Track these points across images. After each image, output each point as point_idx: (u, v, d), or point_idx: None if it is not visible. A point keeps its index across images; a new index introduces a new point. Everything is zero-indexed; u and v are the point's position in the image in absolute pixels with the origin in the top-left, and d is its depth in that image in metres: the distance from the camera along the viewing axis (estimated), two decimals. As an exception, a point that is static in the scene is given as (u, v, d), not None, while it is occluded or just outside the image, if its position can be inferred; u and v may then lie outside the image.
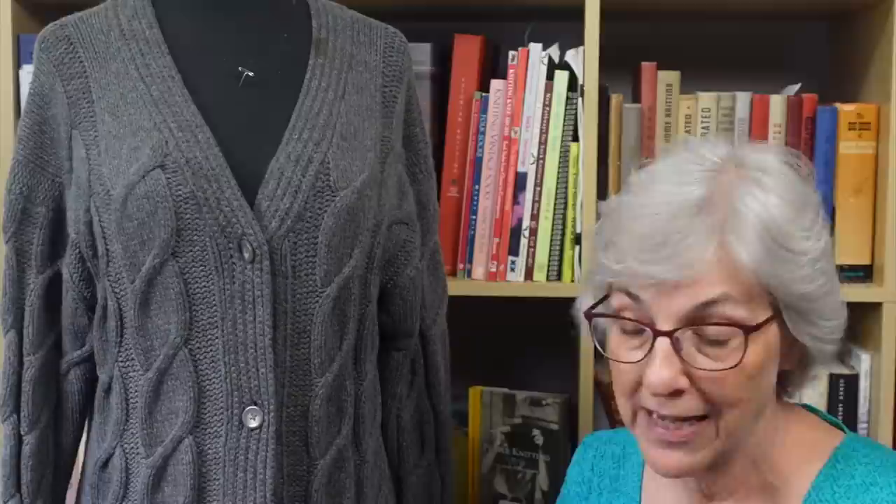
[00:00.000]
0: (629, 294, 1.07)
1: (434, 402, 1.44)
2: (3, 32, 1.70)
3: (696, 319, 1.04)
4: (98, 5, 1.34)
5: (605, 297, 1.12)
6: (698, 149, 1.11)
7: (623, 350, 1.09)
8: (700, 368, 1.04)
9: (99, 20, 1.31)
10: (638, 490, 1.22)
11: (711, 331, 1.04)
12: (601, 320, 1.13)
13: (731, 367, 1.03)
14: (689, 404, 1.05)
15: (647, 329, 1.05)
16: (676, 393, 1.05)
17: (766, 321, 1.05)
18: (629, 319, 1.08)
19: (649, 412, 1.07)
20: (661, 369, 1.04)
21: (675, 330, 1.04)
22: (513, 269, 1.76)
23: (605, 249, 1.10)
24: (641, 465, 1.23)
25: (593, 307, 1.12)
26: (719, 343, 1.04)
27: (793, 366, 1.12)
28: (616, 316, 1.09)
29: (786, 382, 1.15)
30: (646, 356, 1.05)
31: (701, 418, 1.06)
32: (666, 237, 1.04)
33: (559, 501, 1.33)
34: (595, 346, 1.14)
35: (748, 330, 1.03)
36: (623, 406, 1.11)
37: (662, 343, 1.04)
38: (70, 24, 1.31)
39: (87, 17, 1.32)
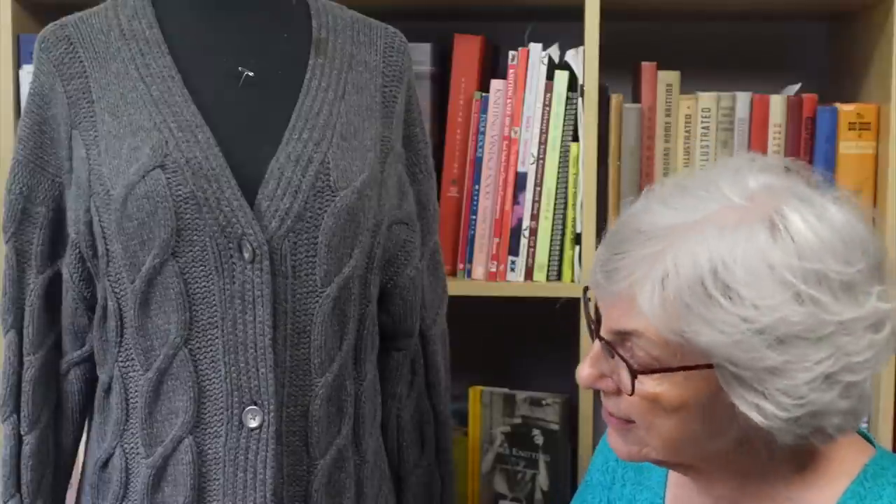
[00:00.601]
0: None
1: (434, 402, 1.44)
2: (3, 32, 1.70)
3: (624, 339, 1.04)
4: (98, 5, 1.34)
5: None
6: (737, 177, 1.05)
7: None
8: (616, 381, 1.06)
9: (99, 20, 1.31)
10: (663, 486, 1.21)
11: None
12: None
13: (627, 393, 1.03)
14: (618, 407, 1.07)
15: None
16: (610, 392, 1.07)
17: (689, 368, 1.00)
18: (588, 314, 1.10)
19: None
20: (583, 366, 1.08)
21: (606, 339, 1.05)
22: (513, 269, 1.76)
23: None
24: None
25: (586, 290, 1.13)
26: None
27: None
28: (586, 309, 1.11)
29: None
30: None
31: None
32: (613, 252, 1.04)
33: (581, 486, 1.32)
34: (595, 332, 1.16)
35: (634, 372, 1.02)
36: None
37: (595, 344, 1.07)
38: (70, 24, 1.31)
39: (87, 17, 1.32)
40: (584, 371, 1.07)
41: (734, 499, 1.11)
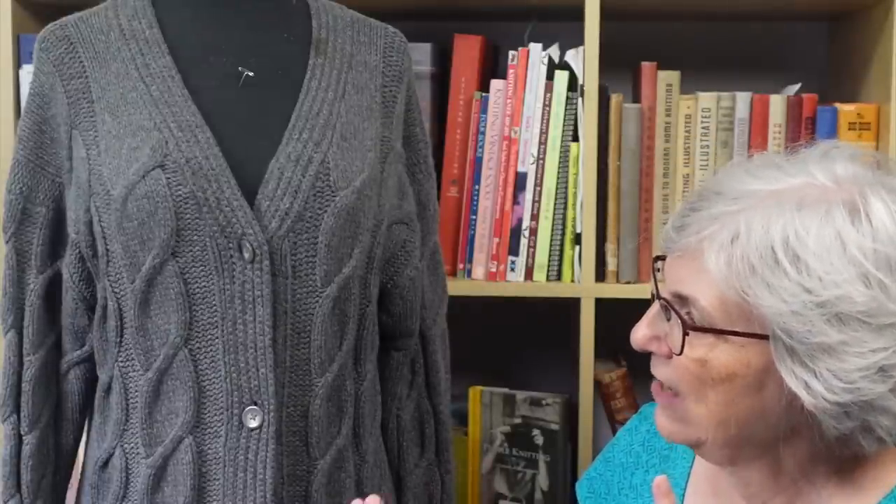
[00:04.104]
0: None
1: (434, 402, 1.44)
2: (3, 32, 1.70)
3: (683, 303, 1.04)
4: (98, 5, 1.34)
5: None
6: (825, 160, 1.04)
7: None
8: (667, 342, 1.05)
9: (99, 20, 1.31)
10: (685, 477, 1.20)
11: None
12: None
13: (675, 353, 1.03)
14: (668, 373, 1.06)
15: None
16: (661, 356, 1.06)
17: (741, 334, 1.00)
18: (654, 274, 1.10)
19: None
20: (640, 326, 1.07)
21: (666, 300, 1.05)
22: (513, 269, 1.76)
23: None
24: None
25: (656, 259, 1.13)
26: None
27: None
28: (654, 272, 1.11)
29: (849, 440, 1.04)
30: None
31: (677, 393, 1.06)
32: (689, 209, 1.05)
33: (601, 461, 1.30)
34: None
35: (687, 328, 1.02)
36: None
37: (654, 306, 1.07)
38: (70, 24, 1.31)
39: (87, 17, 1.32)
40: (641, 331, 1.07)
41: (767, 498, 1.10)
